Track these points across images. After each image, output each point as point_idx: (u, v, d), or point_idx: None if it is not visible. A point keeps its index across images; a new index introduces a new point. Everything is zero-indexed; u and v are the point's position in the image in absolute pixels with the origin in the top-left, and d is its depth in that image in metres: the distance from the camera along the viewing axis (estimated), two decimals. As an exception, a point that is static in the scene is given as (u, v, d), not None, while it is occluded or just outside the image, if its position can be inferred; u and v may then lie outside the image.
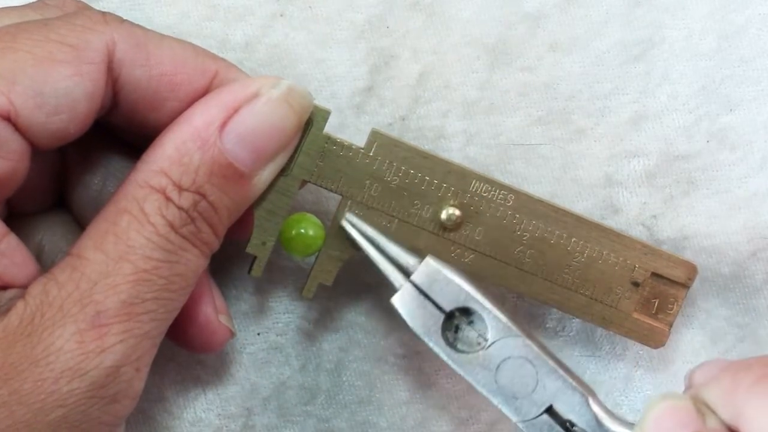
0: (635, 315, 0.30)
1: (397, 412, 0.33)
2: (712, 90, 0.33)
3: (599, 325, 0.30)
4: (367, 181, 0.29)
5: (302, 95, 0.27)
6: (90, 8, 0.28)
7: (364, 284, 0.33)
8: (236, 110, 0.26)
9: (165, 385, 0.32)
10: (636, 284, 0.30)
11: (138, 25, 0.27)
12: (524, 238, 0.29)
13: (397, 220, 0.29)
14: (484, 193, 0.29)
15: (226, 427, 0.33)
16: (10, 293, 0.24)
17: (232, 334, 0.30)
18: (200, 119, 0.26)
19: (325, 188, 0.28)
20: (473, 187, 0.29)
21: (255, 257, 0.28)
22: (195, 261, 0.26)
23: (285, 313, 0.33)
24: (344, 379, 0.33)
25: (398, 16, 0.33)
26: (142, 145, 0.26)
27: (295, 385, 0.33)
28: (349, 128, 0.32)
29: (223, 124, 0.26)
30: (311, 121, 0.28)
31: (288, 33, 0.32)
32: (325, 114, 0.28)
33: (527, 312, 0.33)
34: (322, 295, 0.33)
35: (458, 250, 0.29)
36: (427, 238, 0.29)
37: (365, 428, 0.33)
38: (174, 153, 0.25)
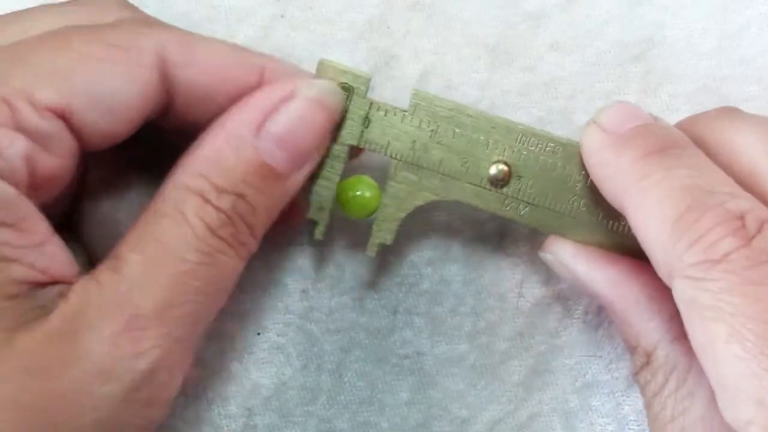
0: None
1: (399, 413, 0.33)
2: (713, 89, 0.33)
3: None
4: (414, 142, 0.29)
5: (335, 93, 0.28)
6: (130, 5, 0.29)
7: (365, 283, 0.33)
8: (272, 111, 0.26)
9: (166, 385, 0.32)
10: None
11: (181, 29, 0.28)
12: (577, 188, 0.29)
13: (448, 178, 0.29)
14: (531, 146, 0.29)
15: (227, 426, 0.32)
16: (56, 288, 0.24)
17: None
18: (236, 122, 0.26)
19: (374, 151, 0.29)
20: (519, 141, 0.29)
21: (316, 222, 0.29)
22: (232, 264, 0.26)
23: (286, 313, 0.33)
24: (346, 379, 0.33)
25: (399, 16, 0.33)
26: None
27: (296, 385, 0.33)
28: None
29: (260, 126, 0.26)
30: (352, 89, 0.29)
31: (288, 34, 0.33)
32: (365, 80, 0.29)
33: (529, 312, 0.33)
34: (323, 294, 0.33)
35: (512, 204, 0.29)
36: (480, 194, 0.29)
37: (367, 429, 0.33)
38: (211, 155, 0.26)
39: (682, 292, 0.23)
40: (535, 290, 0.33)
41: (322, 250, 0.33)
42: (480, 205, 0.29)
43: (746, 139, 0.26)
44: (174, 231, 0.25)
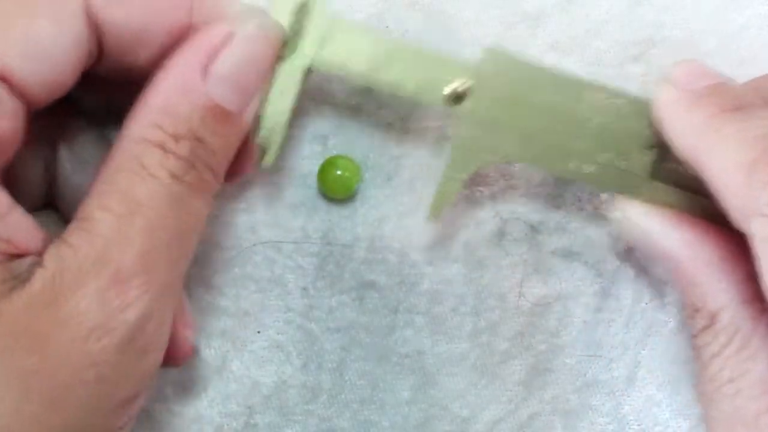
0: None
1: (400, 412, 0.33)
2: (713, 89, 0.33)
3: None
4: (370, 60, 0.29)
5: (273, 26, 0.28)
6: None
7: (366, 282, 0.33)
8: (214, 53, 0.26)
9: (166, 383, 0.33)
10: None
11: None
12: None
13: (523, 139, 0.29)
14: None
15: (228, 425, 0.33)
16: (28, 260, 0.24)
17: (194, 352, 0.30)
18: (182, 68, 0.26)
19: (330, 71, 0.29)
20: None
21: (264, 149, 0.29)
22: (200, 206, 0.26)
23: (286, 311, 0.33)
24: (346, 378, 0.33)
25: (397, 15, 0.33)
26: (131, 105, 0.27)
27: (296, 384, 0.33)
28: (348, 128, 0.32)
29: (205, 69, 0.26)
30: (308, 7, 0.29)
31: (289, 34, 0.33)
32: None
33: (529, 311, 0.33)
34: (323, 293, 0.33)
35: (576, 162, 0.29)
36: (546, 156, 0.29)
37: (367, 428, 0.33)
38: (163, 105, 0.26)
39: (761, 230, 0.23)
40: (535, 290, 0.33)
41: (322, 248, 0.33)
42: (536, 163, 0.29)
43: None
44: (140, 184, 0.25)
